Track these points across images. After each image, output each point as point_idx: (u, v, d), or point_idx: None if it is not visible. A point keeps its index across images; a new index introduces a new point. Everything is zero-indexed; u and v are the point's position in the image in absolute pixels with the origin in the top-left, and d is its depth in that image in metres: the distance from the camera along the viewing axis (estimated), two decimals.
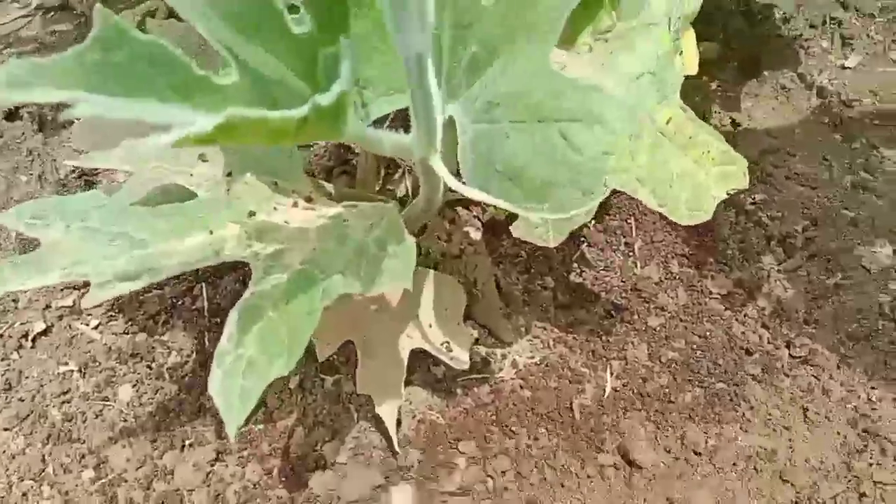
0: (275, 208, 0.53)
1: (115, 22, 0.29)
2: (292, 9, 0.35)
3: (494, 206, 0.67)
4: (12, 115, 0.86)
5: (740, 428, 0.74)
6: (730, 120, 1.09)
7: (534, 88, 0.41)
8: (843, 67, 1.17)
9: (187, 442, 0.72)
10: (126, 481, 0.70)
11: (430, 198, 0.54)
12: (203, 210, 0.50)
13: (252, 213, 0.51)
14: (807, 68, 1.15)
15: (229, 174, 0.52)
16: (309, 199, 0.55)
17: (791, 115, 1.10)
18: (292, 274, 0.46)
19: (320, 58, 0.34)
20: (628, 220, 0.91)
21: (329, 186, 0.66)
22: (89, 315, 0.80)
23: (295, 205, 0.54)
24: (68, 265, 0.43)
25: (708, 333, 0.81)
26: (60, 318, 0.80)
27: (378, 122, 0.50)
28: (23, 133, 0.85)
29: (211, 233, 0.49)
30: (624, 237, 0.89)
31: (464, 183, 0.42)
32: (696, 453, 0.72)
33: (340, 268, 0.46)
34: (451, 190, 0.63)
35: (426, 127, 0.40)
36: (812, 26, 1.21)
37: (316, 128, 0.31)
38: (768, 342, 0.81)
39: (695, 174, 0.57)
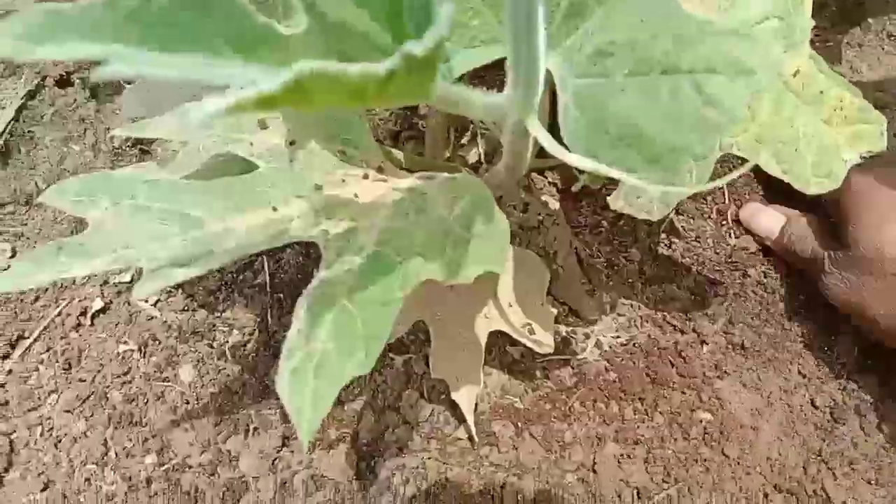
0: (343, 180, 0.47)
1: None
2: None
3: (589, 175, 0.61)
4: (63, 81, 0.82)
5: None
6: None
7: (657, 34, 0.34)
8: None
9: (251, 426, 0.68)
10: (190, 467, 0.67)
11: (514, 165, 0.48)
12: (264, 184, 0.45)
13: (318, 187, 0.45)
14: None
15: (292, 143, 0.47)
16: (380, 170, 0.49)
17: None
18: (367, 257, 0.40)
19: (406, 1, 0.27)
20: (720, 186, 0.83)
21: (399, 154, 0.60)
22: None
23: (365, 176, 0.48)
24: (117, 248, 0.39)
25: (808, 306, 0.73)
26: (119, 293, 0.76)
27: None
28: (74, 100, 0.81)
29: (274, 209, 0.43)
30: (716, 204, 0.81)
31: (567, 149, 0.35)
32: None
33: (420, 250, 0.41)
34: (537, 156, 0.56)
35: (526, 82, 0.33)
36: None
37: (403, 85, 0.25)
38: None
39: (824, 134, 0.49)
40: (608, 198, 0.49)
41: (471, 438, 0.65)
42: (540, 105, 0.39)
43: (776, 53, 0.40)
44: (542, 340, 0.62)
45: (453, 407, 0.67)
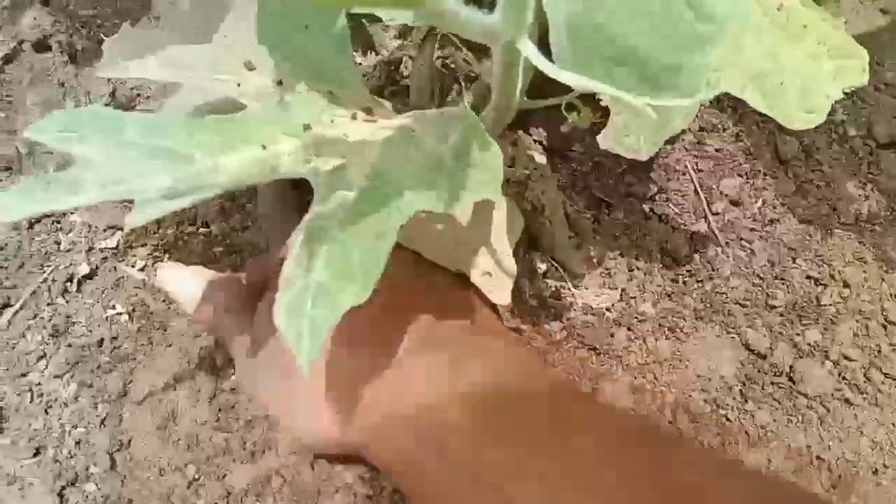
0: (332, 121, 0.47)
1: None
2: None
3: (577, 113, 0.61)
4: (41, 45, 0.81)
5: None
6: None
7: None
8: None
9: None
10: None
11: (503, 105, 0.48)
12: (254, 123, 0.44)
13: (307, 126, 0.45)
14: None
15: (280, 83, 0.46)
16: (368, 111, 0.49)
17: (878, 18, 0.99)
18: (360, 191, 0.40)
19: None
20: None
21: (387, 104, 0.59)
22: (134, 256, 0.75)
23: (354, 117, 0.48)
24: (106, 183, 0.38)
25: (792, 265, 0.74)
26: (105, 259, 0.75)
27: None
28: (53, 64, 0.80)
29: (264, 147, 0.43)
30: (697, 163, 0.81)
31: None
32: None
33: (413, 182, 0.40)
34: (526, 97, 0.56)
35: (516, 7, 0.33)
36: None
37: None
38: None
39: (808, 69, 0.50)
40: (597, 137, 0.49)
41: None
42: (531, 34, 0.39)
43: None
44: (498, 291, 0.60)
45: None
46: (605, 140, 0.50)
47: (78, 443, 0.66)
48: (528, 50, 0.35)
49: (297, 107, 0.46)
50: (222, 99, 0.46)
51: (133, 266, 0.75)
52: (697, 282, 0.73)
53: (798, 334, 0.71)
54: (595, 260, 0.75)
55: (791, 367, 0.69)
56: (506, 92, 0.44)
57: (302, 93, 0.47)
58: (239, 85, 0.46)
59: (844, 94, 0.51)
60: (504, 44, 0.37)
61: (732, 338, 0.71)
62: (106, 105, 0.80)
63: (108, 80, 0.80)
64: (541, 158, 0.76)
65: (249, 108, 0.45)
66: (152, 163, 0.40)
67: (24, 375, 0.70)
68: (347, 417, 0.47)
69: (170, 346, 0.70)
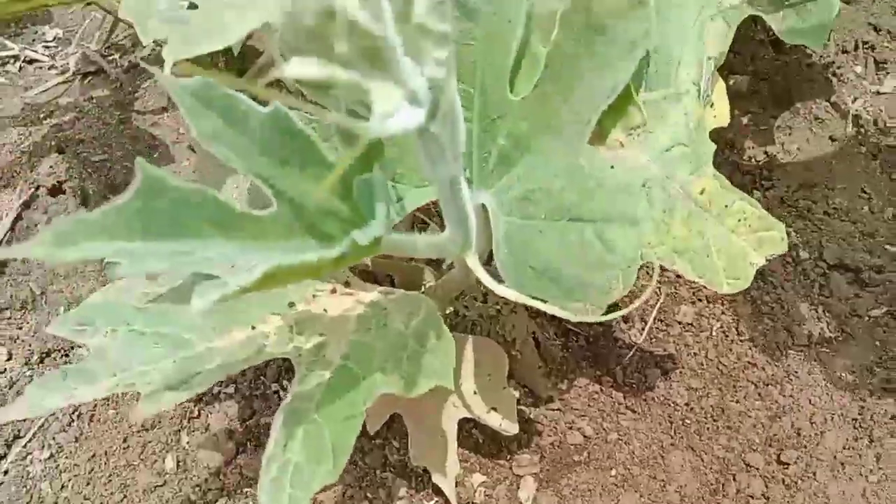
0: (314, 296, 0.54)
1: (155, 173, 0.30)
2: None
3: None
4: (56, 190, 0.89)
5: None
6: (763, 154, 1.07)
7: (565, 186, 0.41)
8: (878, 93, 1.13)
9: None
10: None
11: (463, 281, 0.54)
12: (244, 304, 0.51)
13: (292, 304, 0.52)
14: (840, 96, 1.12)
15: None
16: (347, 284, 0.55)
17: (827, 146, 1.08)
18: (334, 371, 0.47)
19: (355, 185, 0.34)
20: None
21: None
22: None
23: (333, 290, 0.54)
24: (117, 372, 0.44)
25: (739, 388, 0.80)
26: None
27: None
28: (66, 207, 0.87)
29: (253, 328, 0.49)
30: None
31: (499, 281, 0.42)
32: None
33: (381, 363, 0.47)
34: None
35: (461, 232, 0.40)
36: (844, 52, 1.18)
37: (353, 259, 0.32)
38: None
39: (732, 243, 0.57)
40: (547, 302, 0.56)
41: None
42: (482, 231, 0.46)
43: (676, 179, 0.47)
44: (506, 425, 0.67)
45: (438, 492, 0.72)
46: (552, 307, 0.57)
47: None
48: (475, 266, 0.42)
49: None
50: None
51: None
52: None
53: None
54: (563, 386, 0.81)
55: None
56: (463, 278, 0.51)
57: None
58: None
59: (766, 260, 0.58)
60: (455, 257, 0.44)
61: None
62: None
63: None
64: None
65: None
66: (156, 350, 0.46)
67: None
68: None
69: None
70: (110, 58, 1.20)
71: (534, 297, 0.40)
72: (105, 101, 1.13)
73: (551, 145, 0.42)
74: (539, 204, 0.42)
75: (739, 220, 0.57)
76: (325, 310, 0.53)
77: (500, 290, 0.40)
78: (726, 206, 0.57)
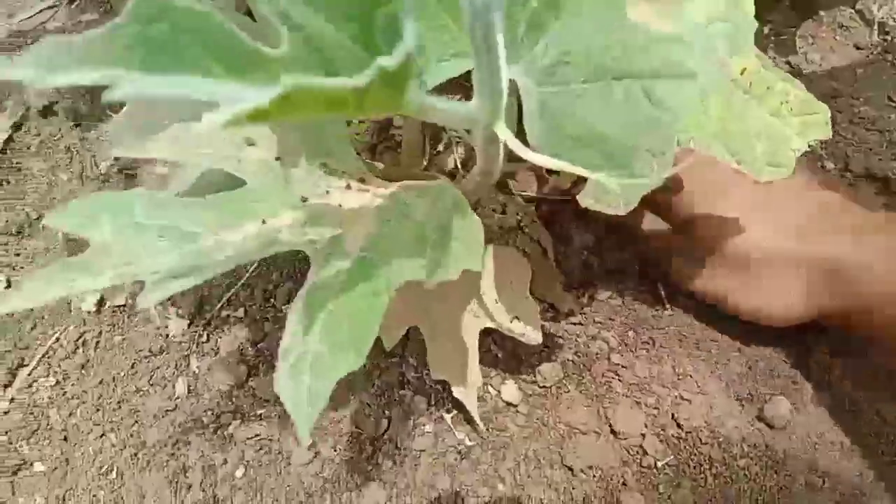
0: (327, 192, 0.50)
1: None
2: None
3: (557, 173, 0.64)
4: (47, 111, 0.84)
5: None
6: (786, 64, 1.03)
7: (608, 44, 0.37)
8: None
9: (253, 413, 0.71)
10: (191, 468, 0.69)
11: (488, 170, 0.51)
12: (254, 198, 0.47)
13: (304, 199, 0.48)
14: (865, 3, 1.07)
15: (278, 158, 0.49)
16: (362, 181, 0.52)
17: (852, 55, 1.03)
18: (353, 261, 0.43)
19: (378, 19, 0.30)
20: None
21: (378, 165, 0.62)
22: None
23: (348, 187, 0.51)
24: (119, 265, 0.41)
25: None
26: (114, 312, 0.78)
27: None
28: (59, 129, 0.83)
29: (263, 222, 0.46)
30: None
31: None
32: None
33: (403, 252, 0.43)
34: (509, 160, 0.59)
35: (491, 92, 0.36)
36: None
37: (379, 96, 0.28)
38: None
39: (773, 126, 0.53)
40: (577, 196, 0.52)
41: (477, 433, 0.68)
42: (507, 112, 0.42)
43: (714, 58, 0.43)
44: (530, 334, 0.65)
45: (459, 407, 0.69)
46: (584, 199, 0.53)
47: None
48: (504, 134, 0.38)
49: (295, 179, 0.49)
50: (222, 173, 0.49)
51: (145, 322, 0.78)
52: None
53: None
54: (583, 300, 0.78)
55: None
56: (489, 161, 0.47)
57: (299, 166, 0.50)
58: (239, 161, 0.49)
59: (809, 146, 0.54)
60: (483, 128, 0.40)
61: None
62: (110, 166, 0.84)
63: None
64: (528, 206, 0.79)
65: (249, 183, 0.48)
66: (160, 243, 0.43)
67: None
68: (820, 290, 0.61)
69: None
70: None
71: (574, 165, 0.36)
72: (94, 25, 1.08)
73: (588, 2, 0.38)
74: (577, 67, 0.38)
75: (782, 103, 0.53)
76: (339, 205, 0.49)
77: (535, 157, 0.36)
78: (768, 88, 0.53)
